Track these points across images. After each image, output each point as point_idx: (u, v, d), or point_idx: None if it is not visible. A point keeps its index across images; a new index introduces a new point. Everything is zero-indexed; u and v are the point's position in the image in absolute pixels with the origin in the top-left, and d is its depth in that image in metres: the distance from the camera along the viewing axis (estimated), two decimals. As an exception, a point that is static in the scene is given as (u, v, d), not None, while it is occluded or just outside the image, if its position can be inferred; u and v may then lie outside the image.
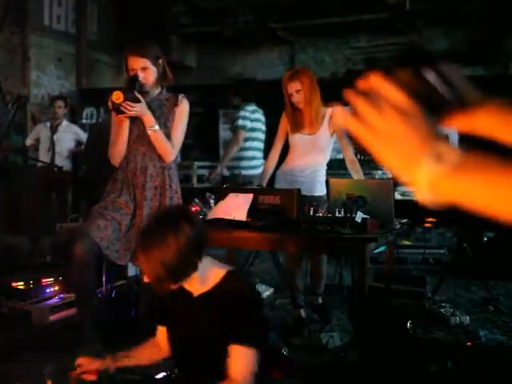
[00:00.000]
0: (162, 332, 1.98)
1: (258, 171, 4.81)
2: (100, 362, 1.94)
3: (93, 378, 1.93)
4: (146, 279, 1.74)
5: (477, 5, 7.21)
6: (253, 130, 4.77)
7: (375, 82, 0.66)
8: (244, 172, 4.73)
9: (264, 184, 3.70)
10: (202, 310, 1.79)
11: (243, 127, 4.70)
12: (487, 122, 0.76)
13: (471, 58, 7.56)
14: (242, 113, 4.73)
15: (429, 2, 7.46)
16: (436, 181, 0.60)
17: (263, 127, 4.93)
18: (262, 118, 4.91)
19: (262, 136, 4.92)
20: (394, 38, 8.08)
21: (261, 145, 4.92)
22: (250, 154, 4.81)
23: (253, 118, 4.75)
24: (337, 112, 3.52)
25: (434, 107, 0.68)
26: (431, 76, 0.71)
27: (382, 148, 0.65)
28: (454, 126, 0.75)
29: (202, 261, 1.74)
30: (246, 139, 4.75)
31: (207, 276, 1.78)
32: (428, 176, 0.61)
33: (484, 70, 7.68)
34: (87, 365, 1.92)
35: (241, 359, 1.69)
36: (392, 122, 0.64)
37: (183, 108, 2.99)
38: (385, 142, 0.64)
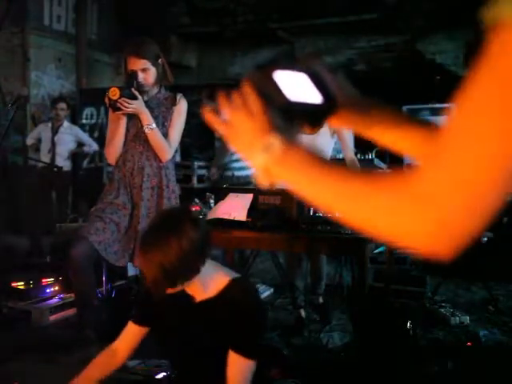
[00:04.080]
0: (132, 330, 1.92)
1: (248, 172, 4.78)
2: None
3: None
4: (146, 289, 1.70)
5: (477, 5, 7.20)
6: None
7: (242, 86, 0.79)
8: (237, 173, 4.71)
9: None
10: (202, 317, 1.75)
11: None
12: (357, 120, 0.88)
13: (471, 57, 7.56)
14: None
15: (429, 1, 7.46)
16: (267, 167, 0.73)
17: None
18: None
19: None
20: (393, 38, 8.08)
21: None
22: (235, 156, 4.68)
23: None
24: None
25: (280, 107, 0.79)
26: (280, 79, 0.80)
27: (232, 138, 0.79)
28: (329, 124, 0.88)
29: (205, 265, 1.68)
30: None
31: (210, 282, 1.73)
32: (261, 163, 0.73)
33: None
34: None
35: (239, 369, 1.66)
36: (239, 117, 0.77)
37: (181, 107, 2.97)
38: (234, 134, 0.79)
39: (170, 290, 1.66)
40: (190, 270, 1.65)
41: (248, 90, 0.78)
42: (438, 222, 0.54)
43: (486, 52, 0.50)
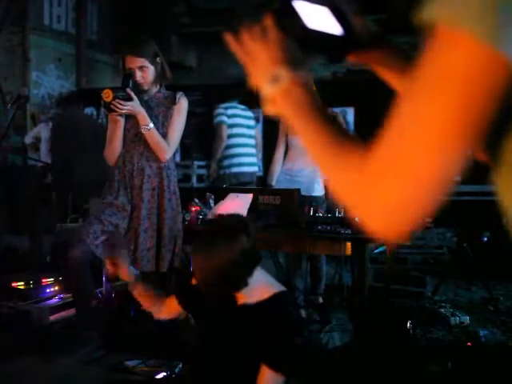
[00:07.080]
0: (172, 303, 1.99)
1: (246, 169, 4.72)
2: (126, 273, 1.98)
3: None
4: (193, 281, 1.79)
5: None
6: (232, 126, 4.61)
7: (265, 19, 0.80)
8: (229, 171, 4.66)
9: (273, 183, 3.71)
10: (241, 320, 1.77)
11: (221, 122, 4.56)
12: (378, 60, 0.88)
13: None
14: (215, 112, 4.64)
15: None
16: (272, 98, 0.73)
17: (247, 122, 4.75)
18: (243, 113, 4.73)
19: (248, 131, 4.77)
20: (393, 37, 8.08)
21: (248, 140, 4.76)
22: (233, 151, 4.65)
23: (229, 113, 4.59)
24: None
25: (298, 36, 0.79)
26: (301, 10, 0.79)
27: (248, 66, 0.79)
28: (348, 59, 0.87)
29: (253, 275, 1.71)
30: (228, 136, 4.60)
31: (255, 288, 1.74)
32: (268, 93, 0.74)
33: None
34: (118, 264, 1.97)
35: (266, 381, 1.67)
36: (256, 46, 0.78)
37: (181, 106, 2.94)
38: (250, 62, 0.79)
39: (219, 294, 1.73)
40: (239, 280, 1.69)
41: (268, 20, 0.79)
42: (379, 204, 0.57)
43: (426, 49, 0.53)
